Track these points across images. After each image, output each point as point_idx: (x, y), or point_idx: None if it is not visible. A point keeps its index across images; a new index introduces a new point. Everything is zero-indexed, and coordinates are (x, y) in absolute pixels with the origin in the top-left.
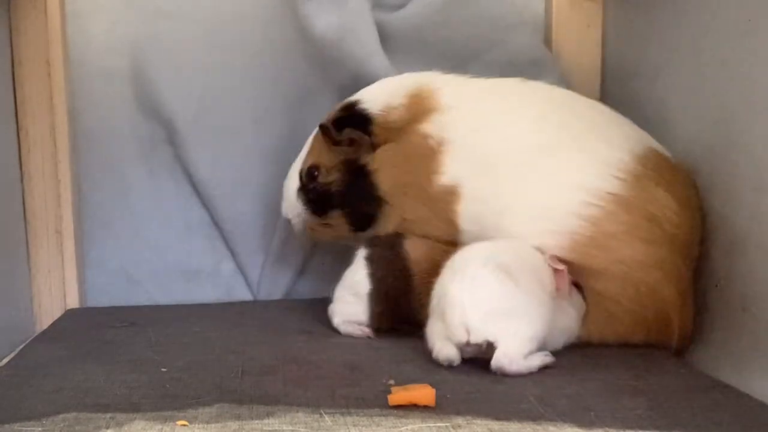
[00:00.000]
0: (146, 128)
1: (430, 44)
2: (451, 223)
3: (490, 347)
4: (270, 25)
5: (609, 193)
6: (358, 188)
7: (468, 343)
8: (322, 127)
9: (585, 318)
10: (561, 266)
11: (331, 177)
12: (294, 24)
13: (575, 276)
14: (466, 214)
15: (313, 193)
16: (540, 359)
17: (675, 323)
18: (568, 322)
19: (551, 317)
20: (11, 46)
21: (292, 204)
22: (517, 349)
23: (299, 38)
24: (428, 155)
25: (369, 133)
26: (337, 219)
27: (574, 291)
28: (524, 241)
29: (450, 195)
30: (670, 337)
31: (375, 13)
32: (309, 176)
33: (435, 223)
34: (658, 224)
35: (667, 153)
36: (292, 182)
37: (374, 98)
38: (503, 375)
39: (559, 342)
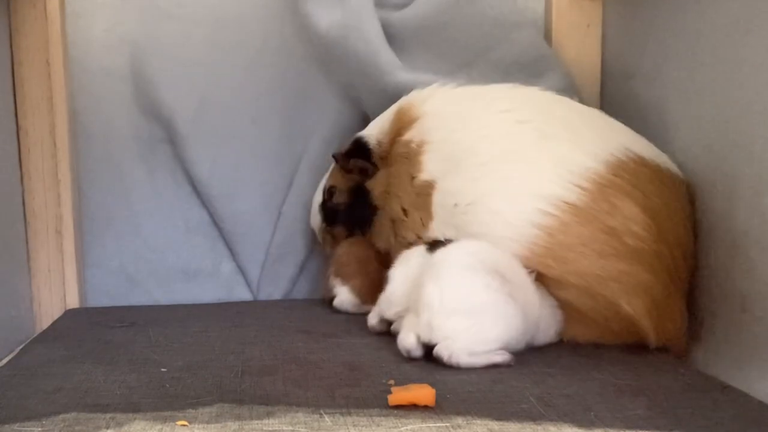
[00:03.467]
0: (146, 128)
1: (434, 44)
2: (429, 213)
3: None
4: (270, 25)
5: (566, 203)
6: (358, 207)
7: (430, 341)
8: (333, 156)
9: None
10: None
11: (341, 198)
12: (294, 24)
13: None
14: (438, 203)
15: (328, 209)
16: (487, 358)
17: (648, 332)
18: (555, 318)
19: (525, 318)
20: (11, 46)
21: (314, 215)
22: (462, 344)
23: (299, 38)
24: (411, 158)
25: (372, 163)
26: (339, 231)
27: None
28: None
29: (428, 188)
30: (646, 341)
31: (378, 12)
32: (328, 194)
33: (414, 217)
34: (617, 237)
35: (657, 158)
36: (318, 197)
37: (371, 132)
38: (444, 365)
39: (549, 333)
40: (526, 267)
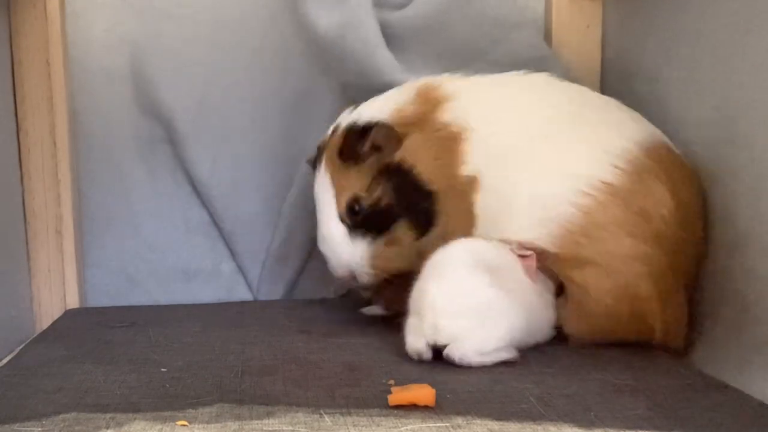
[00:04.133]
0: (146, 128)
1: (433, 44)
2: (471, 220)
3: None
4: (270, 25)
5: (604, 183)
6: (406, 188)
7: (437, 343)
8: (339, 154)
9: (560, 310)
10: (527, 252)
11: (375, 194)
12: (293, 24)
13: (558, 267)
14: (482, 206)
15: (367, 220)
16: (497, 355)
17: (654, 321)
18: (551, 312)
19: (527, 314)
20: (11, 46)
21: (346, 252)
22: (472, 345)
23: (299, 38)
24: (450, 143)
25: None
26: (402, 228)
27: (548, 279)
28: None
29: (472, 184)
30: (650, 335)
31: (377, 12)
32: (351, 212)
33: (458, 221)
34: (647, 220)
35: (677, 150)
36: (335, 230)
37: (376, 108)
38: (456, 365)
39: (547, 334)
40: (558, 246)
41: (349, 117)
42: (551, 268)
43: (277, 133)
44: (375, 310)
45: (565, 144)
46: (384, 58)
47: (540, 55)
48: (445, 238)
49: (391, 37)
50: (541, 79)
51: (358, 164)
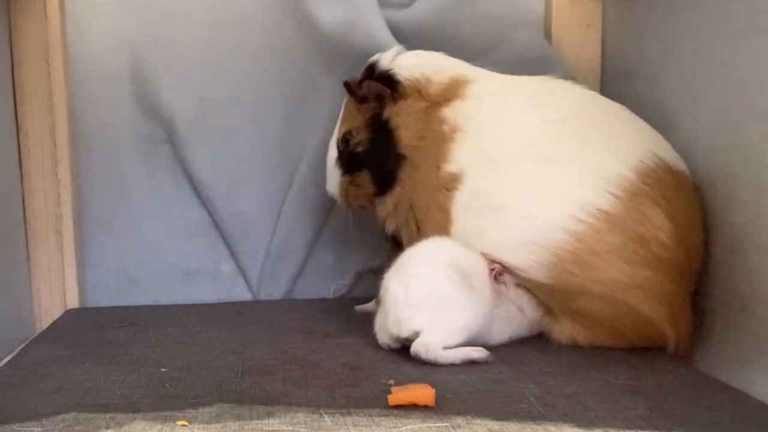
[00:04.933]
0: (146, 128)
1: (435, 43)
2: (448, 217)
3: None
4: (270, 25)
5: (599, 210)
6: (381, 145)
7: (400, 336)
8: (345, 83)
9: (564, 328)
10: (493, 265)
11: (359, 137)
12: (294, 24)
13: (551, 300)
14: (462, 204)
15: (347, 156)
16: (464, 352)
17: (667, 339)
18: (510, 319)
19: (486, 313)
20: (11, 46)
21: (331, 175)
22: (436, 338)
23: (299, 38)
24: (440, 141)
25: (392, 88)
26: (364, 178)
27: (519, 290)
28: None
29: (453, 182)
30: (662, 350)
31: (381, 11)
32: (344, 142)
33: (435, 217)
34: (645, 245)
35: (677, 163)
36: (332, 152)
37: (413, 65)
38: (422, 362)
39: (503, 336)
40: (549, 274)
41: (387, 57)
42: (543, 300)
43: (277, 133)
44: (369, 307)
45: (559, 164)
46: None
47: (541, 55)
48: (420, 234)
49: (395, 36)
50: (554, 86)
51: (363, 103)
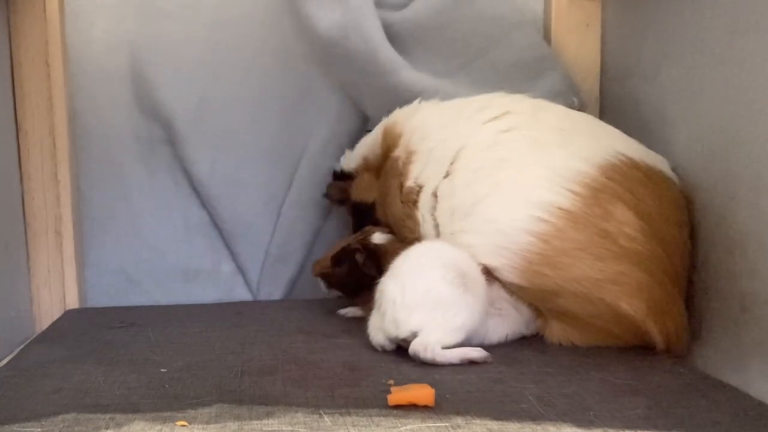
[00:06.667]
0: (146, 128)
1: (433, 44)
2: (415, 221)
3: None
4: (269, 25)
5: (560, 209)
6: (365, 221)
7: (398, 337)
8: (323, 196)
9: (553, 329)
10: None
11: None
12: (293, 25)
13: (532, 300)
14: (425, 204)
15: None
16: (463, 352)
17: (653, 335)
18: (505, 316)
19: (482, 312)
20: (11, 46)
21: None
22: (434, 338)
23: (298, 39)
24: (400, 170)
25: (349, 179)
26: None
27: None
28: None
29: (415, 193)
30: (652, 346)
31: (377, 12)
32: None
33: (408, 225)
34: (612, 240)
35: (648, 160)
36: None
37: (353, 157)
38: (421, 362)
39: (500, 334)
40: (523, 276)
41: (341, 161)
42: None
43: (276, 133)
44: (353, 311)
45: (519, 168)
46: (387, 57)
47: (539, 55)
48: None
49: (390, 37)
50: (506, 100)
51: (341, 203)
